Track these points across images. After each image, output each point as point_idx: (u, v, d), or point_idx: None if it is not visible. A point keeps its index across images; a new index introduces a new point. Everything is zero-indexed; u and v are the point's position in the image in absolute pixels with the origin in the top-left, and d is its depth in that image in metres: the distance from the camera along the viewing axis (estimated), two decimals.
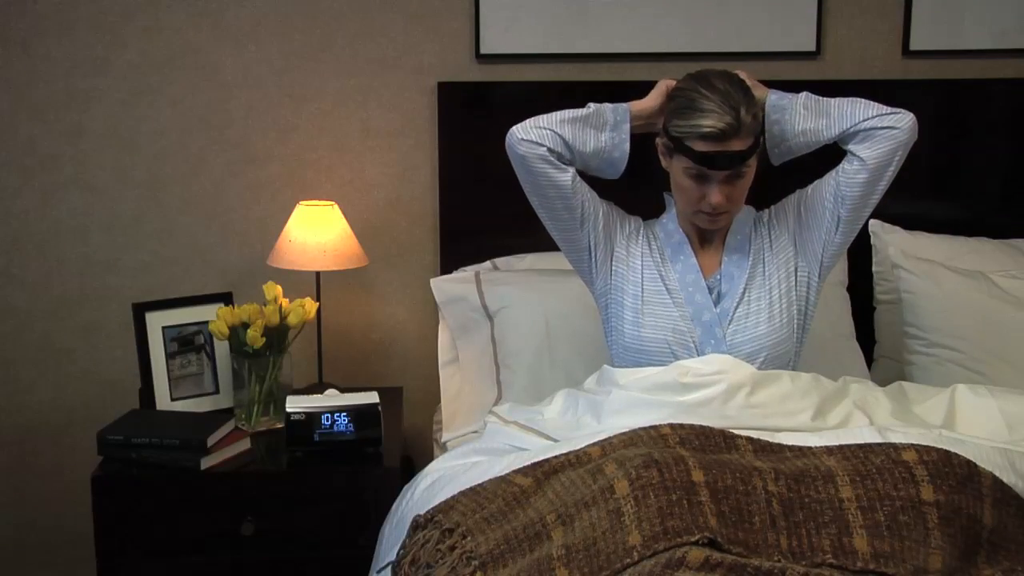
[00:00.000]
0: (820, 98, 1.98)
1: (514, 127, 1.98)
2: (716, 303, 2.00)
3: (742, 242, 2.04)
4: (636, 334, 2.01)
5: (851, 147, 1.96)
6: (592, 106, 2.00)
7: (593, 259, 2.06)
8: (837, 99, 1.97)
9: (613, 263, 2.05)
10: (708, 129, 1.86)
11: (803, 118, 1.96)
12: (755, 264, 2.02)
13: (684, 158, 1.91)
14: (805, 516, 1.58)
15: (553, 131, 1.96)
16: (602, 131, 1.99)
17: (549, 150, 1.96)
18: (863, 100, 1.96)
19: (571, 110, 1.99)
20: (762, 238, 2.05)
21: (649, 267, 2.03)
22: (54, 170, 2.74)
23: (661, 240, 2.06)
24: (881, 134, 1.93)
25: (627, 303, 2.03)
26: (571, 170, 1.99)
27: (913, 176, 2.78)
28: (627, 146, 1.99)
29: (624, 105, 2.01)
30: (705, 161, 1.88)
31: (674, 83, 2.00)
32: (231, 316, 2.39)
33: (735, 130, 1.86)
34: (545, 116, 1.98)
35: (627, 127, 1.99)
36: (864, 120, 1.93)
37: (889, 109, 1.94)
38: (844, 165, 1.97)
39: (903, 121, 1.93)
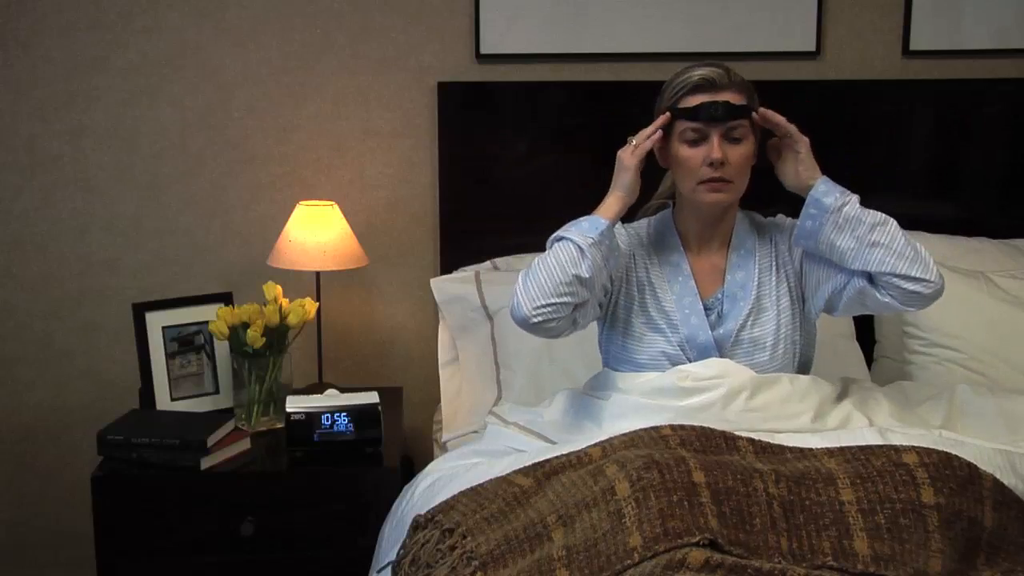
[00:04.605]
0: (865, 216, 1.84)
1: (519, 305, 1.85)
2: (716, 325, 1.96)
3: (745, 258, 1.98)
4: (629, 358, 1.99)
5: (873, 284, 1.88)
6: (590, 238, 1.84)
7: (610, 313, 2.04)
8: (886, 231, 1.84)
9: (615, 296, 2.02)
10: (699, 78, 1.88)
11: (838, 229, 1.84)
12: (761, 285, 1.97)
13: (680, 123, 1.89)
14: (806, 518, 1.58)
15: (565, 292, 1.84)
16: (610, 254, 1.89)
17: (564, 318, 1.86)
18: (903, 253, 1.83)
19: (574, 266, 1.83)
20: (770, 257, 1.99)
21: (642, 291, 1.99)
22: (54, 170, 2.74)
23: (661, 255, 2.01)
24: (905, 289, 1.85)
25: (618, 329, 2.01)
26: (585, 307, 1.89)
27: (913, 176, 2.81)
28: (617, 245, 1.92)
29: (603, 224, 1.86)
30: (700, 112, 1.86)
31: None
32: (231, 316, 2.39)
33: (725, 80, 1.88)
34: (550, 280, 1.84)
35: (612, 236, 1.89)
36: (893, 274, 1.83)
37: (921, 273, 1.83)
38: (857, 284, 1.88)
39: (931, 289, 1.85)
